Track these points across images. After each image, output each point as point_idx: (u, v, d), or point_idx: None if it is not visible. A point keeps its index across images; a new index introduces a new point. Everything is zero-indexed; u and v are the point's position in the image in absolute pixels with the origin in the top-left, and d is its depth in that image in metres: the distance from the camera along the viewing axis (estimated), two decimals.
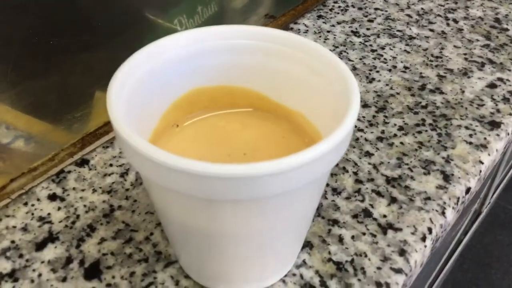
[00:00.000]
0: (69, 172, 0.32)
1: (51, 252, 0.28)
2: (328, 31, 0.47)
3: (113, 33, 0.49)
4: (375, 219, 0.30)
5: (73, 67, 0.43)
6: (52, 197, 0.31)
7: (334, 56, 0.24)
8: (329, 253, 0.28)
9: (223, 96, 0.27)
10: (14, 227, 0.29)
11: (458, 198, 0.32)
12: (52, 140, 0.36)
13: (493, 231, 1.23)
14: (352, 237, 0.29)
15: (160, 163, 0.19)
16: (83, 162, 0.33)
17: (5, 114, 0.38)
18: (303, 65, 0.25)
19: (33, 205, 0.30)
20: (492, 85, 0.41)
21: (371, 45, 0.45)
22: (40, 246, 0.28)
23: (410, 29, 0.47)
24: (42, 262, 0.27)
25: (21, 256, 0.28)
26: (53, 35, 0.46)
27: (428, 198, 0.31)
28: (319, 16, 0.49)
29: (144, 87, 0.24)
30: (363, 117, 0.37)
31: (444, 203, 0.31)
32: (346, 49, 0.44)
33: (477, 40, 0.46)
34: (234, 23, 0.26)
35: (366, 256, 0.28)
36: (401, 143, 0.35)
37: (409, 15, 0.49)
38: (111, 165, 0.33)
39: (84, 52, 0.45)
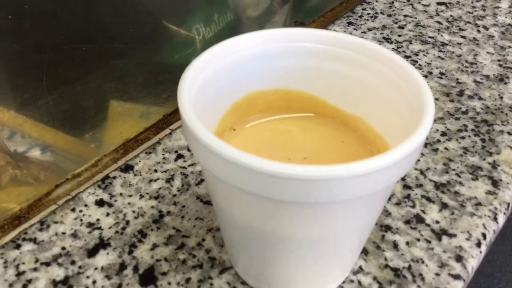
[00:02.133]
0: (114, 177, 0.32)
1: (103, 258, 0.27)
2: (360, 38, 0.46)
3: (133, 42, 0.49)
4: (428, 225, 0.30)
5: (103, 76, 0.43)
6: (100, 203, 0.30)
7: (407, 63, 0.23)
8: (385, 259, 0.28)
9: (279, 100, 0.27)
10: (64, 233, 0.29)
11: (508, 203, 0.31)
12: (86, 148, 0.36)
13: (495, 241, 1.23)
14: (407, 243, 0.29)
15: (235, 162, 0.19)
16: (127, 168, 0.33)
17: (42, 129, 0.37)
18: (367, 70, 0.25)
19: (81, 211, 0.30)
20: None
21: (404, 51, 0.45)
22: (92, 252, 0.28)
23: (441, 35, 0.47)
24: (96, 268, 0.27)
25: (73, 262, 0.27)
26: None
27: (479, 204, 0.31)
28: (349, 23, 0.49)
29: (205, 90, 0.24)
30: None
31: (495, 208, 0.31)
32: None
33: (509, 46, 0.46)
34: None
35: (423, 262, 0.28)
36: (446, 148, 0.35)
37: (439, 22, 0.49)
38: (155, 170, 0.32)
39: (102, 61, 0.45)
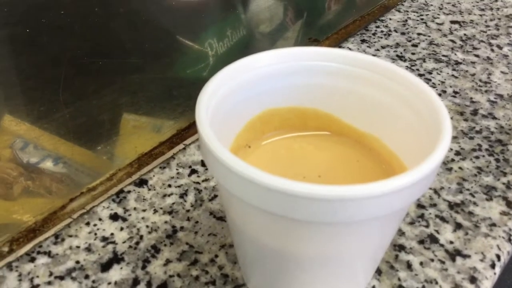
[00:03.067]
0: (128, 192, 0.32)
1: (117, 273, 0.27)
2: (373, 55, 0.47)
3: (147, 56, 0.50)
4: (442, 245, 0.29)
5: (119, 90, 0.43)
6: (114, 217, 0.30)
7: (422, 83, 0.23)
8: (399, 279, 0.28)
9: (294, 118, 0.27)
10: (78, 247, 0.29)
11: None
12: (101, 162, 0.36)
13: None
14: (421, 263, 0.28)
15: (252, 181, 0.19)
16: (141, 182, 0.33)
17: (56, 142, 0.38)
18: (383, 89, 0.25)
19: (95, 225, 0.30)
20: None
21: (418, 70, 0.45)
22: (105, 266, 0.28)
23: (455, 54, 0.47)
24: (109, 283, 0.27)
25: (87, 277, 0.27)
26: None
27: (494, 225, 0.31)
28: (363, 40, 0.49)
29: (222, 107, 0.24)
30: None
31: (510, 229, 0.31)
32: None
33: None
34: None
35: (437, 283, 0.27)
36: (460, 168, 0.35)
37: (452, 41, 0.49)
38: (169, 185, 0.33)
39: (117, 75, 0.45)
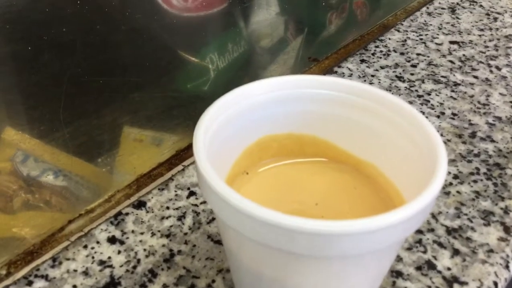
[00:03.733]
0: (126, 214, 0.32)
1: None
2: (372, 75, 0.47)
3: (148, 74, 0.50)
4: (439, 272, 0.29)
5: (120, 109, 0.43)
6: (112, 240, 0.30)
7: (416, 111, 0.24)
8: None
9: (292, 144, 0.27)
10: (75, 270, 0.29)
11: None
12: (100, 182, 0.36)
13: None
14: None
15: (246, 213, 0.19)
16: (140, 204, 0.33)
17: (57, 155, 0.38)
18: (380, 118, 0.25)
19: (93, 248, 0.30)
20: None
21: (417, 91, 0.45)
22: None
23: (454, 75, 0.48)
24: None
25: None
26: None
27: (491, 251, 0.31)
28: (362, 60, 0.49)
29: (220, 134, 0.24)
30: None
31: (507, 256, 0.31)
32: (392, 93, 0.44)
33: None
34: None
35: None
36: (458, 192, 0.35)
37: (451, 61, 0.50)
38: (167, 208, 0.33)
39: (117, 93, 0.45)
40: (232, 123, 0.25)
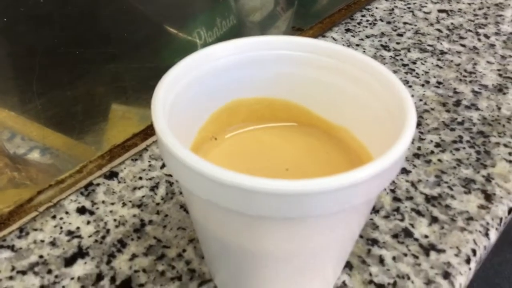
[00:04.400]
0: (98, 184, 0.31)
1: (80, 268, 0.27)
2: (357, 45, 0.46)
3: (133, 46, 0.49)
4: (416, 240, 0.29)
5: (95, 80, 0.42)
6: (81, 211, 0.30)
7: (389, 72, 0.23)
8: (370, 274, 0.27)
9: (263, 109, 0.26)
10: (42, 241, 0.28)
11: (501, 218, 0.30)
12: (73, 153, 0.35)
13: (503, 250, 1.20)
14: (393, 258, 0.28)
15: (205, 176, 0.18)
16: (112, 175, 0.32)
17: (29, 126, 0.37)
18: (351, 79, 0.24)
19: (61, 218, 0.29)
20: None
21: (402, 60, 0.44)
22: (69, 261, 0.27)
23: (441, 43, 0.46)
24: (72, 278, 0.26)
25: (49, 271, 0.26)
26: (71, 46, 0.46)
27: (471, 218, 0.30)
28: (347, 30, 0.48)
29: (184, 98, 0.23)
30: None
31: (487, 223, 0.30)
32: None
33: (510, 56, 0.45)
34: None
35: (409, 278, 0.27)
36: (439, 160, 0.34)
37: (439, 30, 0.48)
38: (140, 178, 0.32)
39: (104, 64, 0.44)
40: (196, 86, 0.24)
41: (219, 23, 0.57)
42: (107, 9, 0.55)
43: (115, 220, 0.29)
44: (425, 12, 0.51)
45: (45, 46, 0.45)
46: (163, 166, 0.33)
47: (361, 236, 0.29)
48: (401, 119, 0.21)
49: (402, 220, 0.30)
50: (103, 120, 0.38)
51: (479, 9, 0.52)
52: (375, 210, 0.30)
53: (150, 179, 0.32)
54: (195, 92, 0.24)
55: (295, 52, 0.25)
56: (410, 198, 0.31)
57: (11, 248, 0.28)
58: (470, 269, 0.28)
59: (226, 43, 0.24)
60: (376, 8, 0.52)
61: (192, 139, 0.25)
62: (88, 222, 0.29)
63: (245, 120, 0.26)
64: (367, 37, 0.47)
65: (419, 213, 0.30)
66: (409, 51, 0.45)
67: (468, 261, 0.28)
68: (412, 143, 0.35)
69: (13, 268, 0.27)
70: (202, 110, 0.25)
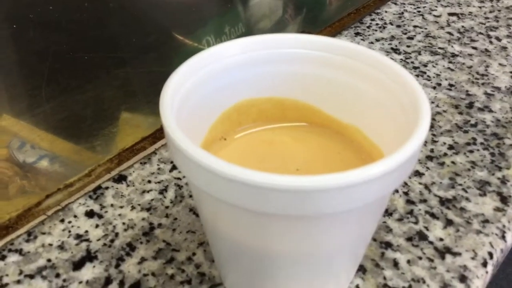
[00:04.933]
0: (106, 188, 0.31)
1: (89, 271, 0.26)
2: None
3: (142, 53, 0.49)
4: (431, 243, 0.28)
5: (104, 84, 0.42)
6: (90, 214, 0.29)
7: (402, 69, 0.22)
8: (384, 278, 0.26)
9: (273, 108, 0.26)
10: (51, 245, 0.28)
11: None
12: (82, 160, 0.35)
13: None
14: (408, 261, 0.27)
15: (215, 172, 0.18)
16: (120, 178, 0.32)
17: (39, 134, 0.37)
18: (363, 76, 0.24)
19: (70, 222, 0.29)
20: None
21: (412, 62, 0.43)
22: (77, 265, 0.27)
23: (452, 46, 0.46)
24: (80, 282, 0.26)
25: (58, 275, 0.26)
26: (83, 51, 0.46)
27: (486, 221, 0.29)
28: (357, 33, 0.48)
29: (193, 97, 0.23)
30: None
31: (504, 226, 0.29)
32: None
33: None
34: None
35: (424, 282, 0.26)
36: (453, 162, 0.33)
37: (449, 33, 0.48)
38: (149, 181, 0.32)
39: (114, 70, 0.44)
40: (206, 85, 0.23)
41: (228, 31, 0.57)
42: (117, 14, 0.55)
43: (123, 223, 0.29)
44: (435, 16, 0.51)
45: (54, 52, 0.45)
46: (172, 169, 0.32)
47: (374, 239, 0.28)
48: (415, 114, 0.20)
49: (416, 223, 0.29)
50: (112, 125, 0.37)
51: (490, 12, 0.52)
52: (388, 213, 0.30)
53: (159, 182, 0.32)
54: (205, 90, 0.24)
55: (307, 50, 0.25)
56: (424, 201, 0.30)
57: (19, 252, 0.27)
58: (487, 272, 0.27)
59: (236, 41, 0.24)
60: (386, 12, 0.52)
61: (201, 138, 0.24)
62: (97, 226, 0.29)
63: (255, 120, 0.26)
64: (377, 40, 0.47)
65: (433, 215, 0.30)
66: (420, 54, 0.45)
67: (485, 264, 0.27)
68: (425, 145, 0.35)
69: (21, 272, 0.26)
70: (211, 109, 0.25)
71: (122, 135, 0.36)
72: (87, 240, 0.28)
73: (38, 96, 0.39)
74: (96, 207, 0.30)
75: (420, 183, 0.32)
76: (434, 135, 0.35)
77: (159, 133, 0.36)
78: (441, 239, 0.28)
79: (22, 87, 0.41)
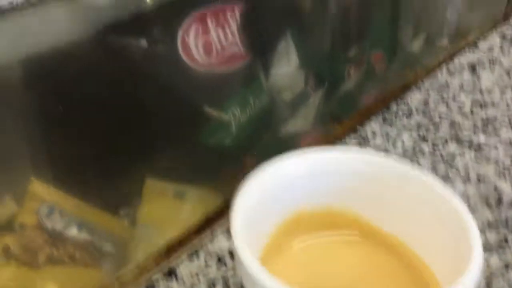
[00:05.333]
0: (157, 281, 0.32)
1: None
2: (396, 138, 0.48)
3: (169, 124, 0.51)
4: None
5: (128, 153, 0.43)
6: None
7: (453, 196, 0.24)
8: None
9: (325, 218, 0.28)
10: None
11: None
12: (109, 228, 0.36)
13: None
14: None
15: None
16: (170, 273, 0.33)
17: (66, 200, 0.38)
18: (413, 198, 0.25)
19: None
20: None
21: (441, 154, 0.45)
22: None
23: (477, 136, 0.48)
24: None
25: None
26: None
27: None
28: (384, 119, 0.50)
29: (255, 211, 0.25)
30: None
31: None
32: (416, 158, 0.45)
33: None
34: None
35: None
36: (487, 264, 0.35)
37: (474, 123, 0.50)
38: (197, 276, 0.33)
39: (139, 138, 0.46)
40: (265, 200, 0.25)
41: (253, 102, 0.59)
42: (142, 85, 0.58)
43: None
44: (458, 103, 0.53)
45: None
46: (218, 264, 0.34)
47: None
48: (463, 243, 0.22)
49: None
50: (136, 194, 0.39)
51: (511, 99, 0.54)
52: None
53: (206, 277, 0.33)
54: (266, 203, 0.25)
55: (358, 165, 0.27)
56: None
57: None
58: None
59: (291, 159, 0.26)
60: (410, 98, 0.54)
61: (260, 250, 0.26)
62: None
63: (310, 230, 0.28)
64: (404, 127, 0.49)
65: None
66: (446, 143, 0.47)
67: None
68: None
69: None
70: (270, 223, 0.26)
71: (147, 206, 0.37)
72: None
73: (63, 164, 0.40)
74: None
75: None
76: None
77: (204, 224, 0.37)
78: None
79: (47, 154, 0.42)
